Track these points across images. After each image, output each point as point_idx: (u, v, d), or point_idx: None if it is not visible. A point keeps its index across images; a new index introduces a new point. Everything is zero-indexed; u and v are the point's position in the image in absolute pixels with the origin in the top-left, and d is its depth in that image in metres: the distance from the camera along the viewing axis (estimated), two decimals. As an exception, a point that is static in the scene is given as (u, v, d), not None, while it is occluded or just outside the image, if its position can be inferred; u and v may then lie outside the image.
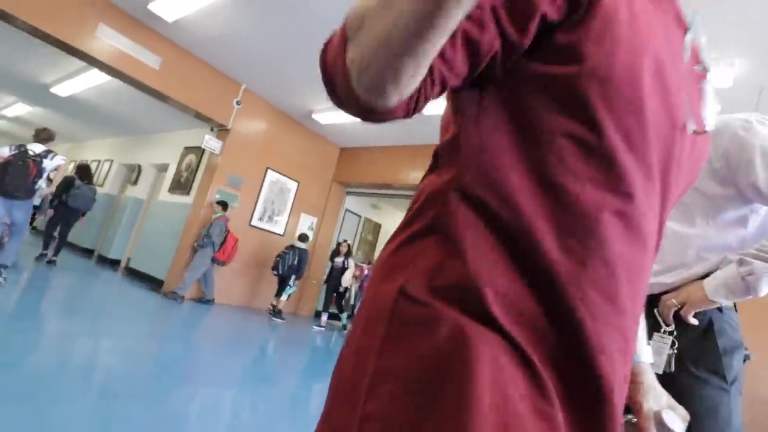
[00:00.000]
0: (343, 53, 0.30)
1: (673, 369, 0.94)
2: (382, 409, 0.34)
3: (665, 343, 0.95)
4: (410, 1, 0.25)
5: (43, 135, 4.01)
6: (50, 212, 5.53)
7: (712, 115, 0.46)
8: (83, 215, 5.82)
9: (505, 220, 0.37)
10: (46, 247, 5.71)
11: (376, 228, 8.87)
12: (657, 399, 0.54)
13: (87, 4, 4.20)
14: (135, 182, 8.21)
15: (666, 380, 0.94)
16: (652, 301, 1.02)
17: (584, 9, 0.36)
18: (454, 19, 0.26)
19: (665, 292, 1.00)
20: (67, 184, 5.50)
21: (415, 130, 5.76)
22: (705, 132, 0.45)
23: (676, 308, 0.95)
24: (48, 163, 3.82)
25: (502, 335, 0.35)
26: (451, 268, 0.37)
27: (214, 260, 5.32)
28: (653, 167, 0.40)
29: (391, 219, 9.22)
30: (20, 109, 9.36)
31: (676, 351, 0.95)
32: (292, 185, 6.56)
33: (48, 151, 3.89)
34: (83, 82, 6.51)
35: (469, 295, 0.35)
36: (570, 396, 0.36)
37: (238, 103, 5.61)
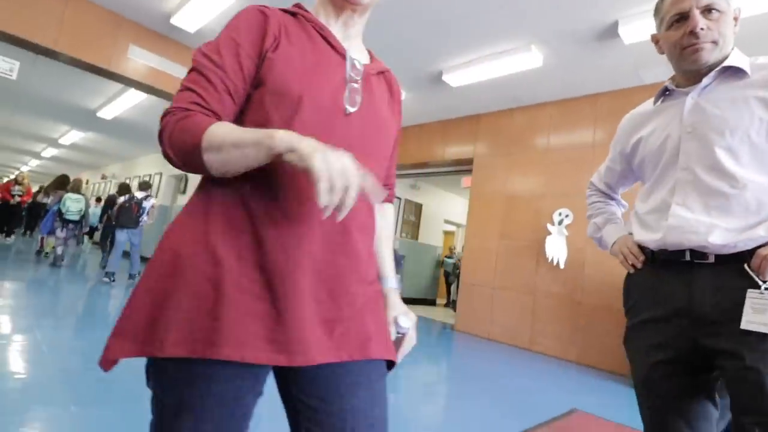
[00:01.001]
0: (200, 155, 0.56)
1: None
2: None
3: (768, 300, 0.83)
4: (247, 152, 0.55)
5: (143, 186, 6.00)
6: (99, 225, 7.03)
7: (355, 103, 0.67)
8: None
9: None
10: (104, 252, 6.96)
11: (418, 208, 8.77)
12: (396, 309, 0.77)
13: (116, 27, 4.36)
14: (183, 191, 8.62)
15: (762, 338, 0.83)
16: (742, 259, 0.90)
17: (264, 59, 0.64)
18: (268, 157, 0.54)
19: (759, 247, 0.88)
20: (109, 202, 6.66)
21: (443, 105, 5.59)
22: (349, 113, 0.66)
23: (778, 261, 0.84)
24: (146, 204, 5.78)
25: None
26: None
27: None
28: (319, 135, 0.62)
29: (432, 198, 9.08)
30: (74, 136, 10.05)
31: (780, 311, 0.83)
32: (330, 176, 6.59)
33: (147, 196, 5.85)
34: (123, 103, 6.84)
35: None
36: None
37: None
